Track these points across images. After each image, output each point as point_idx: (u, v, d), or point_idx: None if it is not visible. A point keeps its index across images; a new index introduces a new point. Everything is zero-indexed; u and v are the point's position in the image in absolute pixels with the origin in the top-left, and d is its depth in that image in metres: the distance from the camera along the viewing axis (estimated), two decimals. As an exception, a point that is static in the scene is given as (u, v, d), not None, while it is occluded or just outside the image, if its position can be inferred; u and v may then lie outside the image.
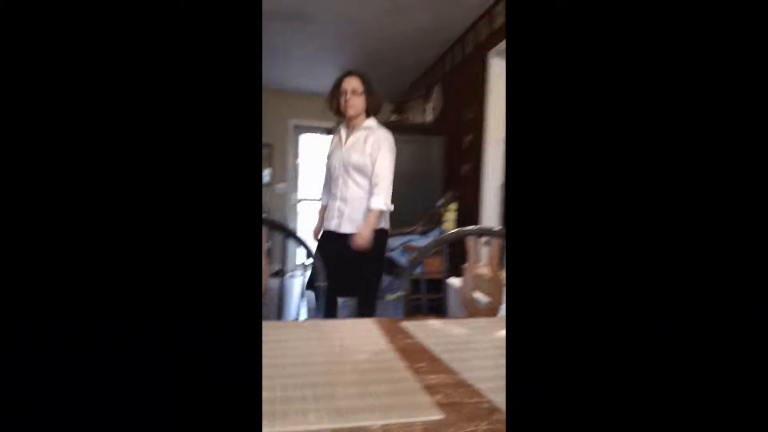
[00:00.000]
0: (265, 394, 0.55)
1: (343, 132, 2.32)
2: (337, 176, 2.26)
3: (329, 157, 2.35)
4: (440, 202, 3.50)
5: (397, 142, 3.83)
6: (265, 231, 1.30)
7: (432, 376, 0.62)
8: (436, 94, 4.35)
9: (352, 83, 2.20)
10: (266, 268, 1.27)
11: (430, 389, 0.57)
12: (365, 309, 2.18)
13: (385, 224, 2.27)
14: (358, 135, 2.24)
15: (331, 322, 0.91)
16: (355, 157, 2.18)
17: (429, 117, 4.26)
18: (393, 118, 4.35)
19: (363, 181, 2.21)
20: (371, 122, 2.27)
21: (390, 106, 4.69)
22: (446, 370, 0.65)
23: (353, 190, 2.22)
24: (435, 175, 3.97)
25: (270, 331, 0.83)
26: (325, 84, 5.24)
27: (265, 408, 0.51)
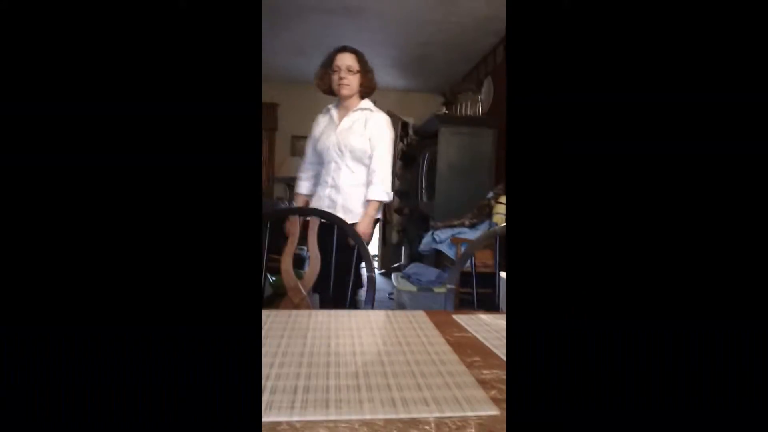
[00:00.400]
0: (319, 382, 0.55)
1: (334, 113, 2.07)
2: (329, 161, 2.01)
3: (318, 139, 2.08)
4: (490, 194, 3.44)
5: (448, 134, 3.85)
6: (316, 222, 1.31)
7: (486, 371, 0.61)
8: (486, 87, 4.27)
9: (347, 60, 1.97)
10: (318, 258, 1.28)
11: (485, 384, 0.56)
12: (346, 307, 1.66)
13: (379, 214, 2.05)
14: (355, 117, 2.01)
15: (383, 312, 0.91)
16: (354, 141, 1.96)
17: (479, 109, 4.20)
18: (444, 110, 4.30)
19: (358, 168, 1.99)
20: (368, 103, 2.05)
21: (441, 98, 4.65)
22: (501, 365, 0.64)
23: (347, 176, 1.99)
24: (485, 167, 3.91)
25: (322, 320, 0.84)
26: (377, 77, 5.28)
27: (319, 396, 0.51)
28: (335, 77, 1.98)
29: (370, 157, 1.98)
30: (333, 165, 2.00)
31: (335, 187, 1.99)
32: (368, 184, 1.97)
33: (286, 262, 1.26)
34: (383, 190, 1.95)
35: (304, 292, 1.22)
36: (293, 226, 1.29)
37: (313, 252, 1.28)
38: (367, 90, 2.05)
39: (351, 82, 1.97)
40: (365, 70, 2.01)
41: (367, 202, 1.95)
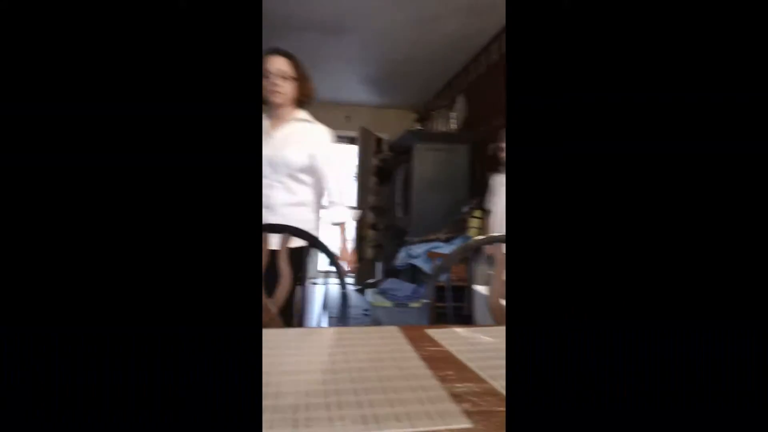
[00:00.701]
0: (289, 401, 0.54)
1: (265, 123, 1.78)
2: None
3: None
4: (465, 208, 3.47)
5: (423, 150, 3.88)
6: (286, 239, 1.30)
7: (459, 385, 0.60)
8: (459, 104, 4.34)
9: (279, 64, 1.71)
10: (290, 275, 1.26)
11: (458, 397, 0.56)
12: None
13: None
14: (290, 128, 1.76)
15: (356, 329, 0.90)
16: (293, 156, 1.71)
17: (453, 125, 4.25)
18: (418, 126, 4.34)
19: (295, 186, 1.75)
20: (305, 114, 1.82)
21: (414, 114, 4.70)
22: (474, 378, 0.63)
23: (282, 196, 1.73)
24: (460, 181, 3.95)
25: (294, 337, 0.83)
26: (348, 94, 5.30)
27: (290, 415, 0.50)
28: (265, 83, 1.72)
29: (314, 174, 1.78)
30: (263, 182, 1.74)
31: (269, 207, 1.73)
32: (328, 205, 1.82)
33: (258, 279, 1.23)
34: (346, 210, 1.82)
35: (274, 311, 1.20)
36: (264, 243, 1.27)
37: (284, 270, 1.26)
38: (304, 99, 1.83)
39: (284, 90, 1.73)
40: (302, 78, 1.79)
41: (336, 226, 1.83)
